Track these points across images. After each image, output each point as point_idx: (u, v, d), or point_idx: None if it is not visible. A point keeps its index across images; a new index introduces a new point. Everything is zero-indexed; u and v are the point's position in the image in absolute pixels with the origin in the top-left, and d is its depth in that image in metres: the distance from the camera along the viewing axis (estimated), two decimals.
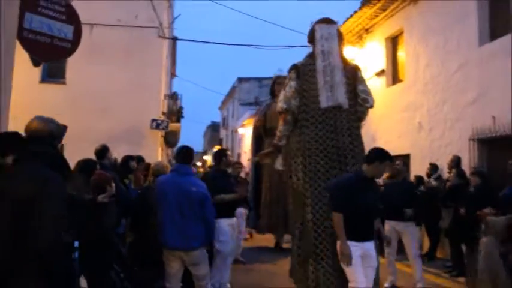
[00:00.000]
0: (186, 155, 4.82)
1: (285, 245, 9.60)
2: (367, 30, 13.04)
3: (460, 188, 7.42)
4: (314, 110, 4.92)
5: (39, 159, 2.39)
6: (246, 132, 32.89)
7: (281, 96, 5.14)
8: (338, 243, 4.20)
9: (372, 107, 5.11)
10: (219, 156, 6.00)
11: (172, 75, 22.35)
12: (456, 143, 9.01)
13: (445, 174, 8.92)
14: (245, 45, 42.35)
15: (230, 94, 39.90)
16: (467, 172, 8.16)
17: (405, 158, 10.67)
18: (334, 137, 4.85)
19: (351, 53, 13.25)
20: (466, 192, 7.14)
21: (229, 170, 6.52)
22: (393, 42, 12.27)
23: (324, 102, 4.87)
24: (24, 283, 2.21)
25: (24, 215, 2.22)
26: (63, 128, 3.07)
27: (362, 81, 5.13)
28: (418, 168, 10.03)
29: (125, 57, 12.80)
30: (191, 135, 41.88)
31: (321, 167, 4.89)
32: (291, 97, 5.00)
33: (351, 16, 12.69)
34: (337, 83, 4.88)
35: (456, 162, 8.34)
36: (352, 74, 5.07)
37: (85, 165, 4.76)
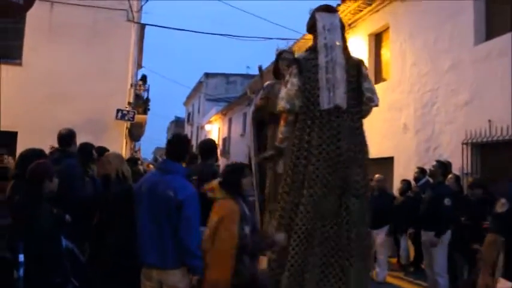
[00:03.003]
0: (176, 147, 3.82)
1: None
2: (349, 26, 12.45)
3: (458, 195, 6.89)
4: (315, 111, 4.23)
5: None
6: (212, 129, 32.10)
7: (282, 93, 4.42)
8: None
9: (377, 105, 4.58)
10: (212, 149, 5.08)
11: (139, 65, 21.23)
12: (446, 147, 8.52)
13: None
14: (220, 34, 40.94)
15: (196, 89, 38.91)
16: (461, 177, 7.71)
17: (388, 161, 10.17)
18: (337, 143, 4.17)
19: None
20: (465, 200, 6.65)
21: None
22: (377, 39, 11.75)
23: (325, 103, 4.21)
24: None
25: None
26: None
27: (367, 77, 4.50)
28: (402, 172, 9.51)
29: (90, 40, 11.69)
30: (154, 129, 40.65)
31: (320, 173, 4.13)
32: (295, 96, 4.27)
33: None
34: (338, 81, 4.23)
35: (445, 169, 7.51)
36: (357, 70, 4.39)
37: (30, 154, 3.96)
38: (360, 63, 4.47)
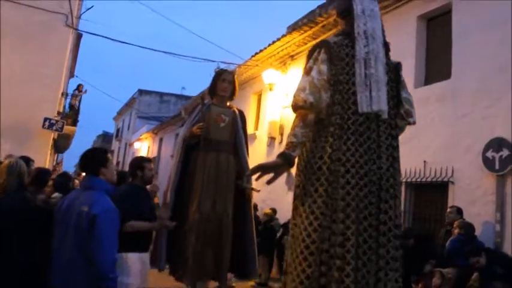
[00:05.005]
0: (87, 160, 3.53)
1: None
2: (292, 57, 12.61)
3: None
4: (352, 114, 3.13)
5: None
6: (141, 147, 31.21)
7: (304, 83, 3.16)
8: None
9: (414, 123, 3.52)
10: (133, 167, 4.54)
11: (71, 74, 20.23)
12: None
13: None
14: (163, 51, 39.96)
15: (128, 105, 37.82)
16: None
17: None
18: (377, 160, 3.12)
19: (273, 77, 12.79)
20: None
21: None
22: None
23: (364, 105, 3.13)
24: None
25: None
26: None
27: (405, 86, 3.51)
28: None
29: (22, 41, 10.95)
30: (79, 142, 38.79)
31: (351, 201, 2.99)
32: (322, 88, 3.10)
33: (278, 39, 12.21)
34: (381, 81, 3.21)
35: None
36: (395, 75, 3.42)
37: None
38: (398, 66, 3.48)
